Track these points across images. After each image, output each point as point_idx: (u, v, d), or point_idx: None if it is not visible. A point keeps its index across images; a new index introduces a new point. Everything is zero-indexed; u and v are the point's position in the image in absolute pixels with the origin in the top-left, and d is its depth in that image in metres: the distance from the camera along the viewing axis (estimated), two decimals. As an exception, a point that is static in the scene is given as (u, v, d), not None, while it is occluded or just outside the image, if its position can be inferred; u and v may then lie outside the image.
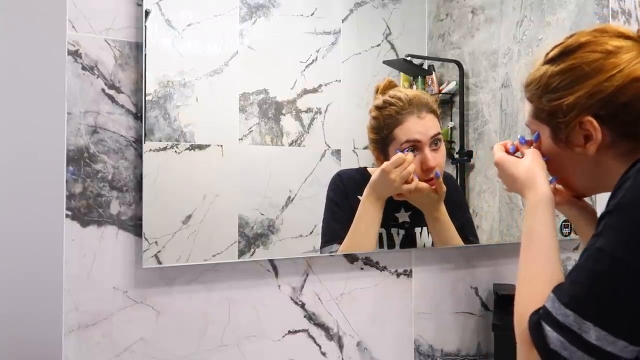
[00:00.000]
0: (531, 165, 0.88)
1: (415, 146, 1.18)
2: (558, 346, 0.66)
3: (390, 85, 1.24)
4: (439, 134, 1.20)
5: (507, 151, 0.98)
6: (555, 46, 0.84)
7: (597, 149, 0.79)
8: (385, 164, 1.15)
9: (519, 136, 0.95)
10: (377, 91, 1.25)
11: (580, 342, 0.64)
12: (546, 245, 0.80)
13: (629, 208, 0.66)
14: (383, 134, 1.20)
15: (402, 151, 1.16)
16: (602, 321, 0.64)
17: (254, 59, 1.15)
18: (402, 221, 1.26)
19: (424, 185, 1.18)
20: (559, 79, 0.81)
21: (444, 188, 1.21)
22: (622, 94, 0.75)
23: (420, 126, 1.17)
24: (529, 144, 0.93)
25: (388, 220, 1.22)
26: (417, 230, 1.27)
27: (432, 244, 1.28)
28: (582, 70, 0.78)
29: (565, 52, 0.82)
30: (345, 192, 1.18)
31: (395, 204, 1.23)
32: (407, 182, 1.15)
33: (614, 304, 0.64)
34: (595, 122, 0.77)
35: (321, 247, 1.17)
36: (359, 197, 1.18)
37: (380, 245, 1.22)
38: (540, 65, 0.85)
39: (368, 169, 1.24)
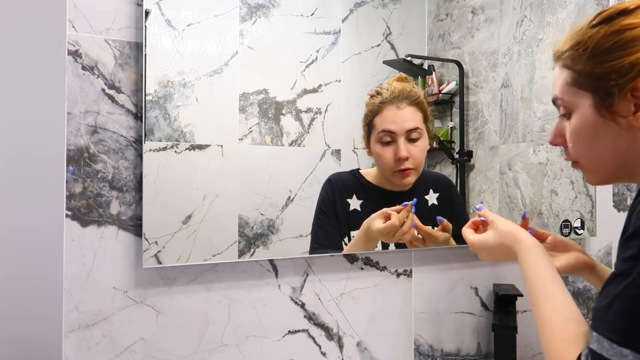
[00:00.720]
0: (502, 228, 0.89)
1: (390, 136, 1.19)
2: None
3: (401, 79, 1.25)
4: (417, 128, 1.20)
5: (476, 226, 1.00)
6: (602, 12, 0.77)
7: None
8: (380, 231, 1.16)
9: (476, 206, 0.99)
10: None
11: None
12: (550, 284, 0.77)
13: None
14: (367, 120, 1.22)
15: (379, 142, 1.18)
16: None
17: (254, 59, 1.15)
18: None
19: (437, 234, 1.21)
20: (615, 39, 0.72)
21: (450, 227, 1.24)
22: None
23: (397, 117, 1.18)
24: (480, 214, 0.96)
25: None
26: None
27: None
28: None
29: (621, 13, 0.74)
30: (333, 198, 1.19)
31: (391, 199, 1.23)
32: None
33: None
34: None
35: (310, 253, 1.17)
36: (348, 200, 1.19)
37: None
38: (586, 29, 0.77)
39: (361, 170, 1.25)
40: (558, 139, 0.82)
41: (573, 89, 0.77)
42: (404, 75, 1.25)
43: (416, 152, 1.20)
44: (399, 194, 1.24)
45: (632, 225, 0.64)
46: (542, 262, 0.80)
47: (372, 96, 1.22)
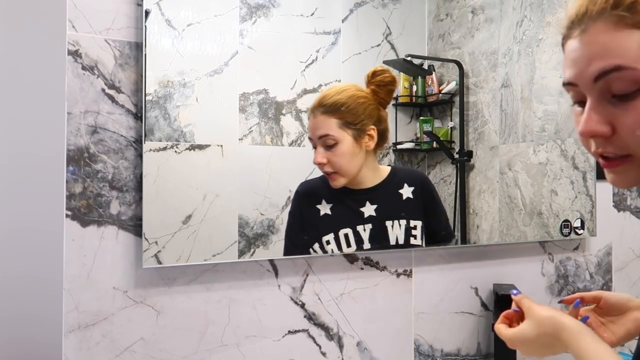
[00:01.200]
0: (539, 316, 0.77)
1: (312, 144, 1.19)
2: None
3: (376, 74, 1.23)
4: (326, 135, 1.18)
5: (509, 319, 0.86)
6: None
7: None
8: None
9: (512, 291, 0.87)
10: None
11: None
12: None
13: None
14: None
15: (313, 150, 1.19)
16: None
17: (254, 59, 1.15)
18: (367, 215, 1.23)
19: None
20: None
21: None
22: None
23: (311, 125, 1.19)
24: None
25: (352, 217, 1.22)
26: (388, 224, 1.25)
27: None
28: None
29: None
30: (299, 210, 1.19)
31: (360, 197, 1.23)
32: None
33: None
34: None
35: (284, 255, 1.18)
36: (318, 207, 1.20)
37: (348, 244, 1.20)
38: None
39: None
40: (602, 127, 0.57)
41: (629, 33, 0.54)
42: (382, 67, 1.23)
43: (333, 157, 1.18)
44: (367, 191, 1.24)
45: None
46: (597, 348, 0.70)
47: None
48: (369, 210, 1.23)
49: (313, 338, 1.16)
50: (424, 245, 1.27)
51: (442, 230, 1.35)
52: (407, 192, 1.27)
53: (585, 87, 0.58)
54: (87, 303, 0.96)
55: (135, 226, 1.00)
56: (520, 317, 0.84)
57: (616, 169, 0.60)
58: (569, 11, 0.60)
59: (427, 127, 1.38)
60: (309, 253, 1.18)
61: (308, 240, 1.19)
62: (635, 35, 0.54)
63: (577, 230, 1.50)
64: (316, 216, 1.20)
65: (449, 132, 1.41)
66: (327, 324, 1.18)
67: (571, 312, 0.85)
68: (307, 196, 1.20)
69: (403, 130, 1.35)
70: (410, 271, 1.27)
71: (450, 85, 1.40)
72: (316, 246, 1.19)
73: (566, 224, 1.49)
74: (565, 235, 1.48)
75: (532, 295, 1.43)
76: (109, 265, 0.98)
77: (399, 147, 1.34)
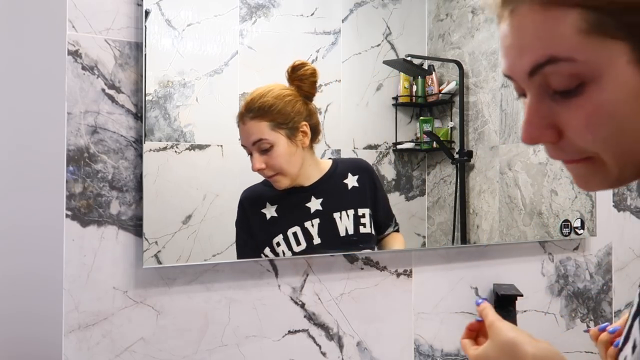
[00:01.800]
0: (501, 341, 0.72)
1: (247, 150, 1.15)
2: None
3: (295, 69, 1.19)
4: (260, 140, 1.15)
5: (473, 331, 0.83)
6: None
7: None
8: None
9: (477, 300, 0.84)
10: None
11: None
12: None
13: None
14: None
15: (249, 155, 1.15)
16: None
17: (254, 59, 1.15)
18: (314, 210, 1.22)
19: None
20: None
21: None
22: None
23: (243, 131, 1.15)
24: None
25: (299, 214, 1.20)
26: (336, 215, 1.23)
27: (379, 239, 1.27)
28: None
29: None
30: (244, 218, 1.16)
31: (304, 193, 1.21)
32: None
33: None
34: None
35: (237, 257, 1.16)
36: (263, 211, 1.18)
37: (297, 243, 1.19)
38: None
39: None
40: (547, 132, 0.48)
41: (593, 39, 0.43)
42: (301, 61, 1.19)
43: (271, 161, 1.16)
44: (311, 187, 1.21)
45: None
46: None
47: None
48: (315, 204, 1.22)
49: (313, 338, 1.16)
50: (373, 233, 1.25)
51: (385, 216, 1.31)
52: (352, 181, 1.25)
53: (522, 82, 0.48)
54: (87, 303, 0.96)
55: (135, 226, 1.00)
56: (484, 330, 0.80)
57: (578, 170, 0.51)
58: None
59: (427, 127, 1.38)
60: (260, 257, 1.15)
61: (258, 245, 1.17)
62: (570, 16, 0.43)
63: (577, 230, 1.50)
64: (263, 220, 1.18)
65: (449, 132, 1.41)
66: (327, 324, 1.18)
67: (612, 352, 0.77)
68: (250, 203, 1.17)
69: (403, 130, 1.35)
70: (410, 271, 1.27)
71: (450, 85, 1.41)
72: (267, 250, 1.16)
73: (566, 224, 1.49)
74: (565, 235, 1.48)
75: (532, 295, 1.44)
76: (109, 265, 0.98)
77: (399, 147, 1.34)
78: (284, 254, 1.16)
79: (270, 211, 1.18)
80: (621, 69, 0.43)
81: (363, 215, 1.24)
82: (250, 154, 1.15)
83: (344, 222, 1.23)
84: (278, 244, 1.16)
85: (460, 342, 0.81)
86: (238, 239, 1.15)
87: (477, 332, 0.83)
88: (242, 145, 1.15)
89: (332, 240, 1.20)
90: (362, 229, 1.24)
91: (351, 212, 1.22)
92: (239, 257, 1.13)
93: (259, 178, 1.15)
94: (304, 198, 1.22)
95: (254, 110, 1.15)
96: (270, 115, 1.15)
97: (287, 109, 1.16)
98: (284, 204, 1.20)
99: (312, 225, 1.20)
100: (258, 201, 1.19)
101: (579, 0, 0.43)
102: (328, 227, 1.21)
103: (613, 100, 0.44)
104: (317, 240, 1.20)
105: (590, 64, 0.44)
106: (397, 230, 1.30)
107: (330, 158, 1.26)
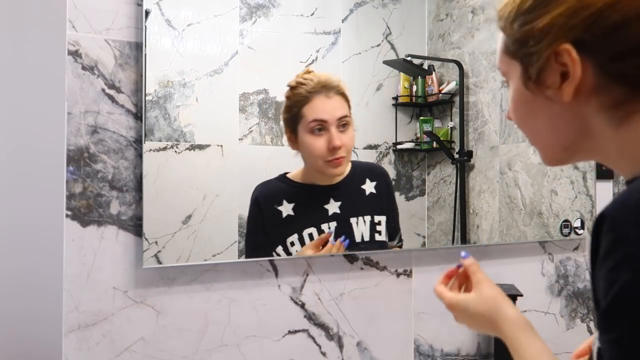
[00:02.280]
0: (485, 296, 0.76)
1: (322, 125, 1.15)
2: None
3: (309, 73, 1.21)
4: (346, 116, 1.18)
5: (449, 277, 0.87)
6: None
7: (576, 93, 0.57)
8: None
9: (461, 253, 0.86)
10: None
11: None
12: None
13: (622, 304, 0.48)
14: (293, 112, 1.18)
15: (309, 132, 1.15)
16: None
17: (254, 59, 1.15)
18: (332, 213, 1.21)
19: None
20: None
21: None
22: (615, 10, 0.55)
23: (328, 105, 1.16)
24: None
25: (316, 216, 1.19)
26: (353, 220, 1.22)
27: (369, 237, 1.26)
28: None
29: None
30: (258, 214, 1.15)
31: (323, 194, 1.21)
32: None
33: None
34: (574, 52, 0.56)
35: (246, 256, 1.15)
36: (279, 208, 1.16)
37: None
38: None
39: (288, 174, 1.20)
40: (510, 114, 0.69)
41: (506, 57, 0.66)
42: (310, 69, 1.21)
43: (348, 140, 1.18)
44: (331, 188, 1.21)
45: (603, 298, 0.50)
46: (535, 347, 0.70)
47: (293, 87, 1.18)
48: (333, 207, 1.21)
49: (313, 338, 1.16)
50: (387, 241, 1.25)
51: (395, 224, 1.30)
52: (369, 187, 1.25)
53: None
54: (87, 303, 0.96)
55: (135, 226, 1.00)
56: (463, 278, 0.85)
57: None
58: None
59: (427, 127, 1.38)
60: (271, 256, 1.14)
61: (270, 243, 1.16)
62: (504, 39, 0.66)
63: (577, 230, 1.50)
64: (278, 218, 1.16)
65: (449, 132, 1.41)
66: (327, 324, 1.18)
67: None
68: (266, 199, 1.16)
69: (403, 130, 1.35)
70: (410, 271, 1.27)
71: (450, 85, 1.41)
72: (279, 249, 1.15)
73: (566, 224, 1.49)
74: (565, 235, 1.48)
75: (532, 295, 1.44)
76: (109, 265, 0.98)
77: (399, 147, 1.34)
78: (296, 254, 1.15)
79: (286, 209, 1.17)
80: (516, 79, 0.64)
81: (379, 223, 1.24)
82: (323, 130, 1.14)
83: (360, 228, 1.22)
84: (292, 244, 1.16)
85: (435, 289, 0.85)
86: (249, 237, 1.14)
87: (451, 279, 0.88)
88: (321, 120, 1.14)
89: (347, 245, 1.20)
90: (377, 237, 1.23)
91: (368, 218, 1.22)
92: (248, 255, 1.12)
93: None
94: (322, 199, 1.21)
95: (337, 88, 1.17)
96: (347, 98, 1.19)
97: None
98: (301, 203, 1.18)
99: (329, 228, 1.20)
100: (274, 198, 1.17)
101: (504, 27, 0.65)
102: (344, 232, 1.20)
103: (514, 102, 0.66)
104: (332, 244, 1.19)
105: (505, 72, 0.67)
106: (400, 247, 1.29)
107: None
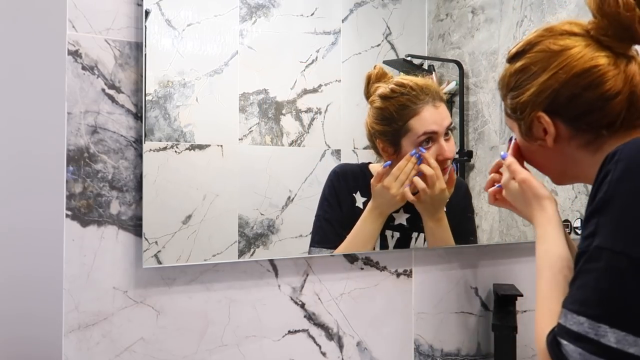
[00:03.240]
0: (535, 186, 0.91)
1: (431, 137, 1.14)
2: (578, 359, 0.61)
3: (383, 74, 1.21)
4: (451, 123, 1.17)
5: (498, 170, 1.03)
6: (517, 44, 0.88)
7: (558, 141, 0.84)
8: (387, 180, 1.12)
9: (502, 153, 0.98)
10: (369, 81, 1.21)
11: (600, 349, 0.60)
12: (565, 265, 0.80)
13: (615, 201, 0.65)
14: (396, 125, 1.14)
15: (417, 146, 1.13)
16: (617, 321, 0.60)
17: (254, 59, 1.15)
18: (398, 223, 1.23)
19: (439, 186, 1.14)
20: (516, 78, 0.87)
21: (453, 182, 1.18)
22: (566, 89, 0.80)
23: (437, 116, 1.13)
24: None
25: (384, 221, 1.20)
26: (414, 235, 1.24)
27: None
28: (531, 70, 0.84)
29: (520, 52, 0.87)
30: (339, 189, 1.14)
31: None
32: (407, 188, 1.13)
33: (625, 299, 0.60)
34: (546, 117, 0.83)
35: (310, 246, 1.14)
36: (354, 195, 1.15)
37: (372, 247, 1.19)
38: (506, 63, 0.91)
39: (371, 165, 1.21)
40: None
41: (507, 118, 0.93)
42: (381, 66, 1.19)
43: (454, 147, 1.16)
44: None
45: (589, 202, 0.69)
46: (561, 242, 0.84)
47: (389, 97, 1.14)
48: (400, 218, 1.20)
49: (313, 338, 1.16)
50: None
51: (465, 232, 1.27)
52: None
53: None
54: (87, 303, 0.96)
55: (135, 226, 1.00)
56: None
57: None
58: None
59: (427, 127, 1.38)
60: (343, 237, 1.11)
61: (345, 227, 1.12)
62: (505, 102, 0.93)
63: (577, 230, 1.50)
64: (351, 204, 1.13)
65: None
66: (327, 324, 1.18)
67: (497, 163, 1.03)
68: (346, 180, 1.13)
69: (403, 130, 1.34)
70: (410, 271, 1.27)
71: (450, 85, 1.41)
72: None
73: (566, 224, 1.48)
74: (565, 235, 1.48)
75: (532, 295, 1.43)
76: (109, 265, 0.98)
77: (399, 147, 1.33)
78: None
79: (358, 200, 1.14)
80: (517, 134, 0.92)
81: None
82: (432, 139, 1.12)
83: (418, 244, 1.23)
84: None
85: (506, 161, 0.96)
86: (327, 212, 1.10)
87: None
88: (431, 132, 1.12)
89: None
90: None
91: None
92: (317, 234, 1.10)
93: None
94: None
95: (441, 95, 1.15)
96: (446, 103, 1.17)
97: None
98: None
99: (392, 237, 1.19)
100: (352, 182, 1.14)
101: (502, 97, 0.93)
102: (404, 244, 1.20)
103: (522, 148, 0.93)
104: (397, 249, 1.20)
105: (510, 128, 0.94)
106: None
107: None
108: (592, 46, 0.81)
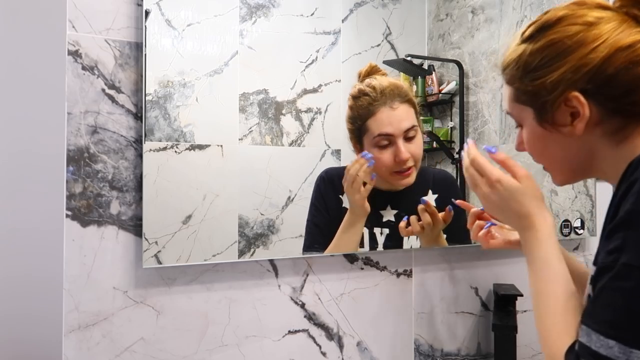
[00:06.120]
0: (533, 187, 0.84)
1: (388, 139, 1.15)
2: None
3: (373, 70, 1.21)
4: (413, 126, 1.16)
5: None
6: (531, 24, 0.79)
7: (585, 127, 0.74)
8: (345, 186, 1.14)
9: (484, 147, 0.91)
10: (359, 77, 1.22)
11: None
12: (563, 274, 0.76)
13: None
14: (357, 124, 1.17)
15: (375, 146, 1.14)
16: None
17: (254, 59, 1.15)
18: (386, 220, 1.23)
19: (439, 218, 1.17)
20: (540, 56, 0.76)
21: (448, 217, 1.19)
22: (609, 65, 0.71)
23: (393, 118, 1.14)
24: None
25: (371, 218, 1.19)
26: None
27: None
28: (564, 45, 0.73)
29: (543, 28, 0.76)
30: (326, 194, 1.16)
31: (382, 199, 1.21)
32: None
33: None
34: (582, 98, 0.72)
35: (303, 251, 1.15)
36: (341, 197, 1.16)
37: (361, 245, 1.19)
38: (517, 45, 0.80)
39: None
40: (521, 147, 0.85)
41: (517, 104, 0.81)
42: (373, 63, 1.19)
43: (416, 150, 1.17)
44: (391, 194, 1.22)
45: (618, 216, 0.63)
46: (557, 251, 0.78)
47: (356, 97, 1.17)
48: (388, 214, 1.21)
49: (313, 338, 1.16)
50: None
51: (457, 232, 1.27)
52: (430, 199, 1.23)
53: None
54: (87, 303, 0.96)
55: (135, 226, 1.00)
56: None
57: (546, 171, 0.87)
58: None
59: (427, 127, 1.38)
60: (330, 232, 1.14)
61: (329, 223, 1.14)
62: (510, 89, 0.81)
63: (577, 230, 1.50)
64: (338, 207, 1.15)
65: (449, 132, 1.41)
66: (327, 324, 1.18)
67: (474, 213, 1.02)
68: (332, 183, 1.15)
69: (403, 130, 1.34)
70: (410, 271, 1.27)
71: (450, 85, 1.40)
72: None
73: (566, 223, 1.48)
74: (565, 235, 1.48)
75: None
76: (109, 265, 0.98)
77: (399, 147, 1.33)
78: None
79: (346, 202, 1.16)
80: (530, 121, 0.80)
81: None
82: (390, 143, 1.13)
83: (411, 240, 1.23)
84: None
85: (473, 158, 0.91)
86: (315, 217, 1.13)
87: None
88: (385, 134, 1.13)
89: None
90: None
91: (413, 216, 1.19)
92: (308, 238, 1.12)
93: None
94: (380, 204, 1.20)
95: (403, 95, 1.14)
96: (413, 103, 1.16)
97: (417, 103, 1.19)
98: None
99: (381, 234, 1.20)
100: (339, 186, 1.15)
101: (509, 81, 0.81)
102: (395, 240, 1.20)
103: (528, 139, 0.82)
104: (380, 249, 1.20)
105: (517, 117, 0.83)
106: None
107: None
108: (629, 22, 0.72)
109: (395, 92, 1.15)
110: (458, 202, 1.06)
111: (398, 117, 1.14)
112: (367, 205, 1.15)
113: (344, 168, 1.17)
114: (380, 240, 1.22)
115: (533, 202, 0.83)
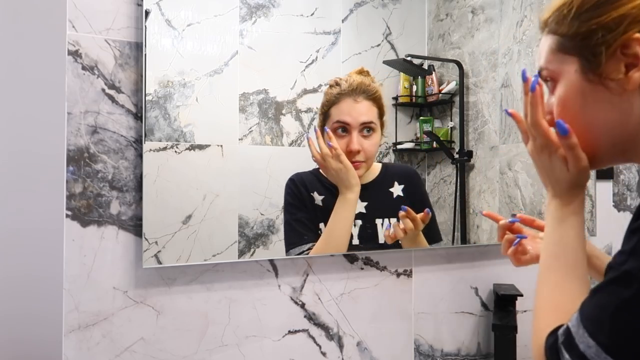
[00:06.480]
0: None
1: (344, 128, 1.19)
2: None
3: (362, 73, 1.24)
4: (371, 122, 1.20)
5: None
6: None
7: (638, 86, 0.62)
8: (321, 163, 1.18)
9: (511, 219, 0.92)
10: None
11: None
12: (580, 257, 0.73)
13: None
14: (324, 110, 1.21)
15: (332, 131, 1.19)
16: (622, 359, 0.54)
17: (254, 59, 1.15)
18: (358, 212, 1.23)
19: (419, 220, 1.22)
20: None
21: (418, 219, 1.22)
22: None
23: (353, 110, 1.19)
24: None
25: None
26: (378, 222, 1.24)
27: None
28: None
29: None
30: (299, 193, 1.19)
31: None
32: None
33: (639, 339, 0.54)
34: None
35: (287, 251, 1.16)
36: (312, 194, 1.20)
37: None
38: None
39: (321, 169, 1.21)
40: (547, 117, 0.72)
41: (558, 55, 0.69)
42: (365, 69, 1.25)
43: (369, 146, 1.20)
44: (362, 188, 1.21)
45: (635, 216, 0.60)
46: (580, 231, 0.73)
47: (331, 86, 1.22)
48: (359, 207, 1.23)
49: (313, 338, 1.16)
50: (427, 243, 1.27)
51: (430, 224, 1.30)
52: (397, 190, 1.27)
53: None
54: (87, 303, 0.96)
55: (135, 226, 1.00)
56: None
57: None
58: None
59: (427, 127, 1.38)
60: (318, 236, 1.17)
61: (312, 218, 1.18)
62: (549, 39, 0.70)
63: (577, 230, 1.50)
64: (312, 202, 1.20)
65: (449, 132, 1.41)
66: (327, 324, 1.18)
67: (503, 226, 0.98)
68: (303, 183, 1.20)
69: (403, 130, 1.35)
70: (410, 271, 1.27)
71: (450, 85, 1.41)
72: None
73: (566, 224, 1.48)
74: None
75: (532, 295, 1.44)
76: (109, 265, 0.98)
77: (399, 147, 1.34)
78: None
79: (317, 199, 1.21)
80: (572, 73, 0.67)
81: None
82: (346, 133, 1.18)
83: (385, 229, 1.25)
84: (320, 231, 1.19)
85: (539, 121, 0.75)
86: (293, 214, 1.17)
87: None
88: (344, 122, 1.18)
89: (370, 245, 1.22)
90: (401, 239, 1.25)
91: (394, 220, 1.23)
92: (289, 237, 1.15)
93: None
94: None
95: (369, 92, 1.20)
96: (380, 104, 1.22)
97: (384, 105, 1.24)
98: (331, 197, 1.20)
99: (354, 226, 1.22)
100: (309, 185, 1.21)
101: (554, 29, 0.69)
102: (369, 231, 1.23)
103: (565, 97, 0.68)
104: (355, 241, 1.22)
105: (555, 71, 0.69)
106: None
107: (380, 162, 1.28)
108: None
109: (362, 88, 1.20)
110: (485, 213, 1.08)
111: (358, 110, 1.19)
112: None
113: (309, 171, 1.21)
114: (355, 232, 1.22)
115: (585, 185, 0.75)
